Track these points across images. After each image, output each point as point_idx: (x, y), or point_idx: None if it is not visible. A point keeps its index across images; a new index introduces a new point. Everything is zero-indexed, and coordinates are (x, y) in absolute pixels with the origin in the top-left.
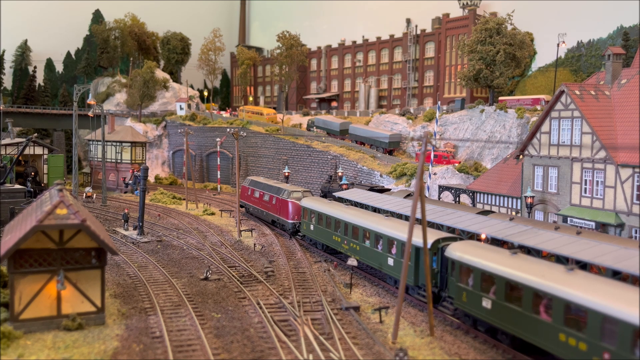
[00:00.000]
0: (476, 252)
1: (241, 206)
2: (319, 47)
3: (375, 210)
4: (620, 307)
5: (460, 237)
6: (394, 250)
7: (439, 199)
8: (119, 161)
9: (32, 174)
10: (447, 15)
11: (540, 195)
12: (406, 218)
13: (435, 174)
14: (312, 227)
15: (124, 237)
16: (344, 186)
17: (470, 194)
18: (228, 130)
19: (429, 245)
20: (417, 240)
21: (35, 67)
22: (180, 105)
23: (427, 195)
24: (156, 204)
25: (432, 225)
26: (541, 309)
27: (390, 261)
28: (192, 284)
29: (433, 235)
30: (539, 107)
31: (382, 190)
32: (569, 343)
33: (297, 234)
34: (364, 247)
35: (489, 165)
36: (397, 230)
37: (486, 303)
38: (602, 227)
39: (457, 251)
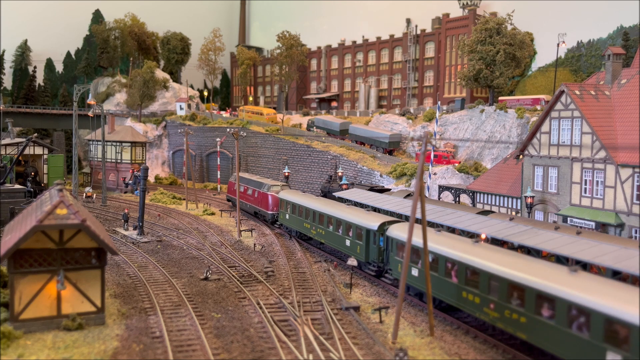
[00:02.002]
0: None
1: (228, 200)
2: (319, 47)
3: (376, 210)
4: (500, 268)
5: (402, 220)
6: (350, 234)
7: (439, 199)
8: (119, 161)
9: (32, 174)
10: (447, 15)
11: (540, 195)
12: (406, 218)
13: (435, 174)
14: (287, 217)
15: (124, 237)
16: (344, 186)
17: (470, 194)
18: (228, 130)
19: (375, 227)
20: (368, 223)
21: (35, 67)
22: (180, 105)
23: (427, 195)
24: (156, 204)
25: (433, 225)
26: (452, 273)
27: (347, 242)
28: (192, 284)
29: (379, 219)
30: (539, 107)
31: (382, 190)
32: (468, 299)
33: (275, 223)
34: (328, 232)
35: (489, 165)
36: (354, 216)
37: (415, 272)
38: (602, 227)
39: (395, 230)
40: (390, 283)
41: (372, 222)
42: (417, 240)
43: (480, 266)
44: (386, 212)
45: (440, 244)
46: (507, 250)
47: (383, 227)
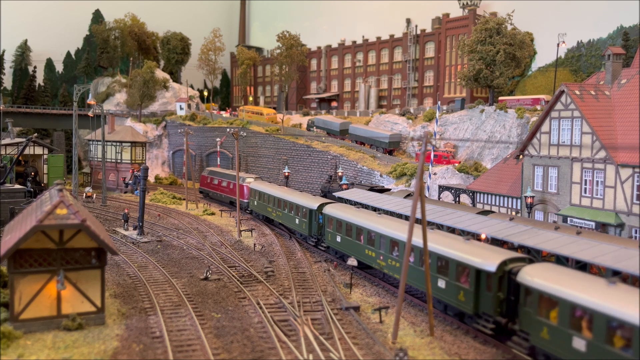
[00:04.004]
0: (338, 209)
1: (201, 192)
2: (319, 47)
3: (375, 210)
4: (385, 229)
5: (335, 202)
6: (299, 214)
7: (439, 199)
8: (119, 161)
9: (32, 174)
10: (447, 15)
11: (540, 195)
12: (406, 218)
13: (435, 174)
14: (255, 203)
15: (124, 237)
16: (344, 186)
17: (470, 194)
18: (228, 130)
19: (315, 207)
20: (311, 204)
21: (35, 67)
22: (180, 105)
23: (427, 195)
24: (156, 204)
25: (433, 224)
26: (360, 237)
27: (297, 221)
28: (192, 284)
29: (319, 201)
30: (539, 107)
31: (382, 190)
32: (370, 254)
33: (247, 209)
34: (284, 214)
35: (489, 165)
36: (301, 199)
37: (339, 239)
38: (602, 227)
39: (329, 209)
40: (324, 250)
41: (314, 203)
42: (341, 215)
43: (374, 229)
44: (386, 212)
45: (357, 217)
46: (397, 219)
47: (321, 207)
